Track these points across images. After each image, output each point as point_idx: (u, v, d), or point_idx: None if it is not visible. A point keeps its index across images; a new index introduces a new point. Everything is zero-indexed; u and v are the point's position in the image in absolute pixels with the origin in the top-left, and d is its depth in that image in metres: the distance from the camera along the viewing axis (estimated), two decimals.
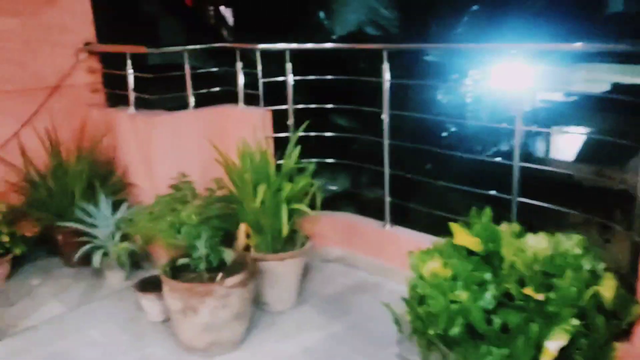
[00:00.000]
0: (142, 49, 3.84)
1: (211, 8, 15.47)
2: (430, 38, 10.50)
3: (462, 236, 2.55)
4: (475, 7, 10.66)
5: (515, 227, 2.68)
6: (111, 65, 4.46)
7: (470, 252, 2.56)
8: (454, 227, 2.61)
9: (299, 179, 3.61)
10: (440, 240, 2.73)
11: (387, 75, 3.74)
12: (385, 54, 3.69)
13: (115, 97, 4.47)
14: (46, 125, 4.28)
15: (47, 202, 4.09)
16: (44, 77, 4.28)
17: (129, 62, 4.03)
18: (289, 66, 3.96)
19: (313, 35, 12.51)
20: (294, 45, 3.96)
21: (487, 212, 2.65)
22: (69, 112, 4.40)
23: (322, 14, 12.38)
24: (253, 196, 3.39)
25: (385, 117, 3.82)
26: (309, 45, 4.16)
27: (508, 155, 3.51)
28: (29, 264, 4.28)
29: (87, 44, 4.38)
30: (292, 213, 3.56)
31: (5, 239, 3.94)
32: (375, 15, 11.06)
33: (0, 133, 4.16)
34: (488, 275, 2.46)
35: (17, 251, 4.05)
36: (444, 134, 7.10)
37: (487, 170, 3.95)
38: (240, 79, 4.16)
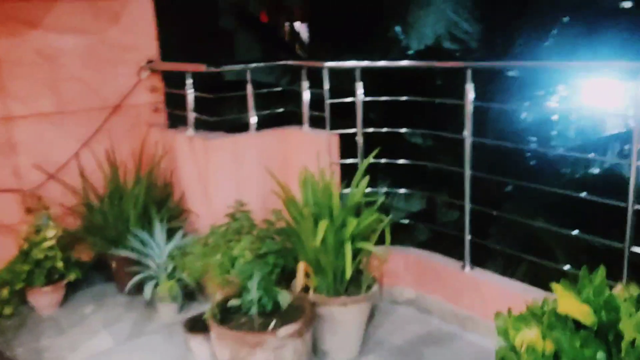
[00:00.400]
0: (202, 67, 3.56)
1: (286, 24, 15.38)
2: (515, 52, 9.79)
3: (569, 303, 2.01)
4: (565, 19, 9.83)
5: (635, 290, 2.11)
6: (176, 84, 4.23)
7: (578, 323, 2.01)
8: (558, 289, 2.07)
9: (367, 213, 3.17)
10: (536, 302, 2.20)
11: (470, 96, 3.23)
12: (469, 73, 3.19)
13: (178, 117, 4.23)
14: (106, 147, 4.10)
15: (102, 227, 3.88)
16: (106, 96, 4.11)
17: (189, 80, 3.77)
18: (359, 85, 3.54)
19: (389, 50, 12.07)
20: (365, 63, 3.53)
21: (601, 272, 2.10)
22: (128, 133, 4.21)
23: (398, 29, 11.91)
24: (313, 233, 2.98)
25: (467, 144, 3.30)
26: (382, 63, 3.73)
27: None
28: (83, 290, 4.09)
29: (149, 61, 4.17)
30: (357, 252, 3.13)
31: (60, 264, 3.76)
32: (455, 29, 10.45)
33: (60, 154, 4.00)
34: (601, 355, 1.91)
35: (72, 277, 3.87)
36: (532, 160, 6.44)
37: (587, 207, 3.34)
38: (306, 99, 3.79)
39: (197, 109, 3.87)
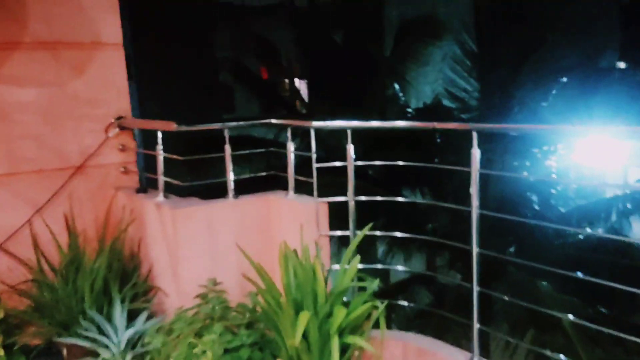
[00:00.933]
0: (172, 126, 3.08)
1: (286, 81, 15.10)
2: (514, 110, 9.45)
3: None
4: (564, 79, 9.55)
5: None
6: (151, 143, 3.75)
7: None
8: None
9: (358, 299, 2.61)
10: None
11: (476, 162, 2.72)
12: (475, 136, 2.68)
13: (151, 180, 3.73)
14: (65, 212, 3.58)
15: (53, 307, 3.31)
16: (68, 156, 3.62)
17: (159, 139, 3.29)
18: (350, 149, 3.04)
19: (388, 107, 11.74)
20: (356, 123, 3.04)
21: None
22: (92, 197, 3.69)
23: (396, 86, 11.62)
24: (293, 326, 2.42)
25: (474, 216, 2.77)
26: (375, 124, 3.24)
27: None
28: None
29: (118, 118, 3.71)
30: (346, 347, 2.56)
31: (0, 352, 3.17)
32: (453, 87, 10.16)
33: (10, 222, 3.47)
34: None
35: None
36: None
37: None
38: (291, 163, 3.29)
39: (172, 170, 3.38)
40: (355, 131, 3.01)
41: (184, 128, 3.09)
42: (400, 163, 3.26)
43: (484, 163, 2.79)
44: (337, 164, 3.10)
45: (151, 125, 3.38)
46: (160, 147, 3.29)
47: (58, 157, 3.58)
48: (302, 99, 12.93)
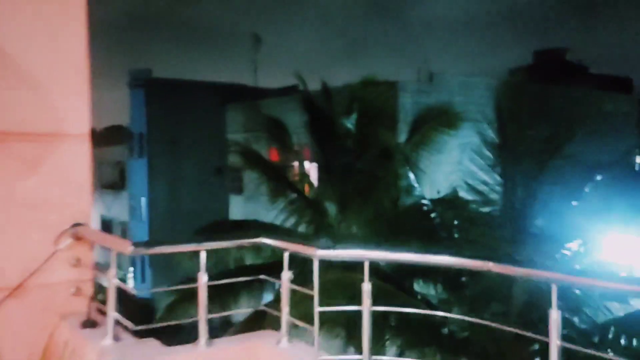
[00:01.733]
0: (127, 247, 2.26)
1: (295, 163, 14.42)
2: (539, 207, 8.57)
3: None
4: (598, 177, 8.78)
5: None
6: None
7: None
8: None
9: None
10: None
11: (557, 330, 1.81)
12: (554, 290, 1.80)
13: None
14: None
15: None
16: (3, 272, 2.78)
17: (112, 261, 2.44)
18: (366, 289, 2.15)
19: (401, 196, 10.92)
20: (377, 255, 2.20)
21: None
22: (30, 326, 2.81)
23: (411, 175, 10.88)
24: None
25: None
26: (406, 256, 2.37)
27: None
28: None
29: (75, 225, 2.89)
30: None
31: None
32: (473, 179, 9.34)
33: None
34: None
35: None
36: None
37: None
38: (286, 298, 2.41)
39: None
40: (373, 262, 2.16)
41: (141, 251, 2.27)
42: (416, 311, 2.36)
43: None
44: (350, 308, 2.22)
45: (105, 241, 2.58)
46: (112, 272, 2.44)
47: None
48: (311, 184, 12.26)
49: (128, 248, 2.27)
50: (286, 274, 2.44)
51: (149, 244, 2.37)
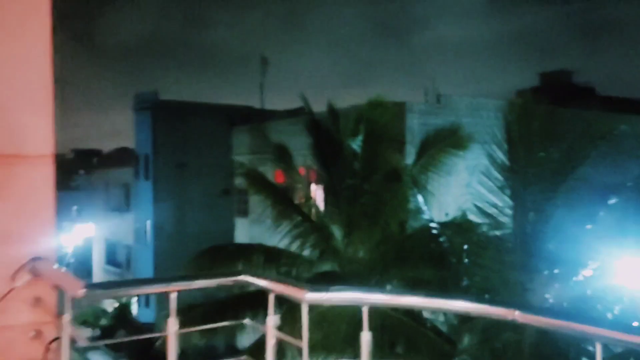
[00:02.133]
0: (78, 291, 1.89)
1: (300, 186, 13.98)
2: (551, 231, 8.14)
3: None
4: (613, 200, 8.43)
5: None
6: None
7: None
8: None
9: None
10: None
11: None
12: (599, 349, 1.40)
13: (78, 350, 2.46)
14: None
15: None
16: None
17: (67, 306, 2.06)
18: (365, 340, 1.74)
19: (408, 220, 10.51)
20: (377, 298, 1.79)
21: None
22: None
23: (419, 197, 10.46)
24: None
25: None
26: (401, 300, 1.98)
27: None
28: None
29: (33, 259, 2.53)
30: None
31: None
32: (482, 202, 8.92)
33: None
34: None
35: None
36: None
37: None
38: (271, 349, 2.01)
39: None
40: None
41: (97, 296, 1.90)
42: None
43: None
44: None
45: (57, 280, 2.19)
46: (67, 317, 2.05)
47: None
48: (317, 207, 11.86)
49: (78, 291, 1.89)
50: (271, 320, 2.04)
51: (107, 285, 2.01)
